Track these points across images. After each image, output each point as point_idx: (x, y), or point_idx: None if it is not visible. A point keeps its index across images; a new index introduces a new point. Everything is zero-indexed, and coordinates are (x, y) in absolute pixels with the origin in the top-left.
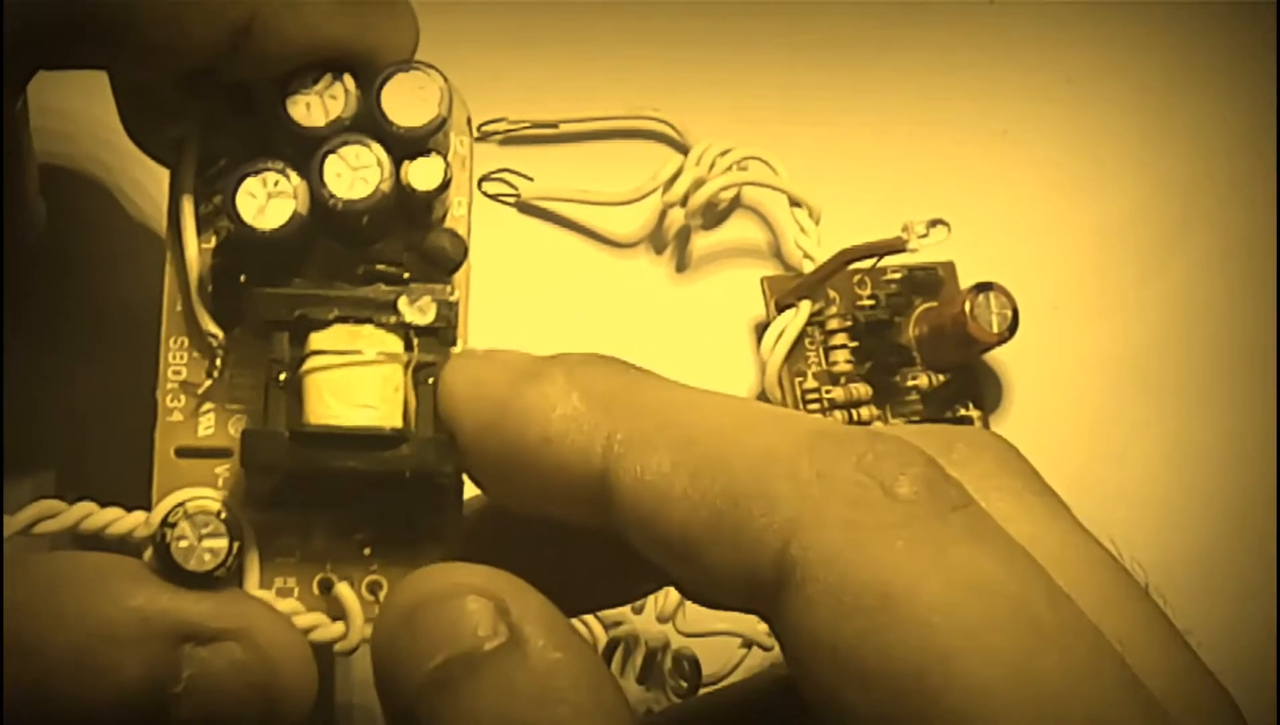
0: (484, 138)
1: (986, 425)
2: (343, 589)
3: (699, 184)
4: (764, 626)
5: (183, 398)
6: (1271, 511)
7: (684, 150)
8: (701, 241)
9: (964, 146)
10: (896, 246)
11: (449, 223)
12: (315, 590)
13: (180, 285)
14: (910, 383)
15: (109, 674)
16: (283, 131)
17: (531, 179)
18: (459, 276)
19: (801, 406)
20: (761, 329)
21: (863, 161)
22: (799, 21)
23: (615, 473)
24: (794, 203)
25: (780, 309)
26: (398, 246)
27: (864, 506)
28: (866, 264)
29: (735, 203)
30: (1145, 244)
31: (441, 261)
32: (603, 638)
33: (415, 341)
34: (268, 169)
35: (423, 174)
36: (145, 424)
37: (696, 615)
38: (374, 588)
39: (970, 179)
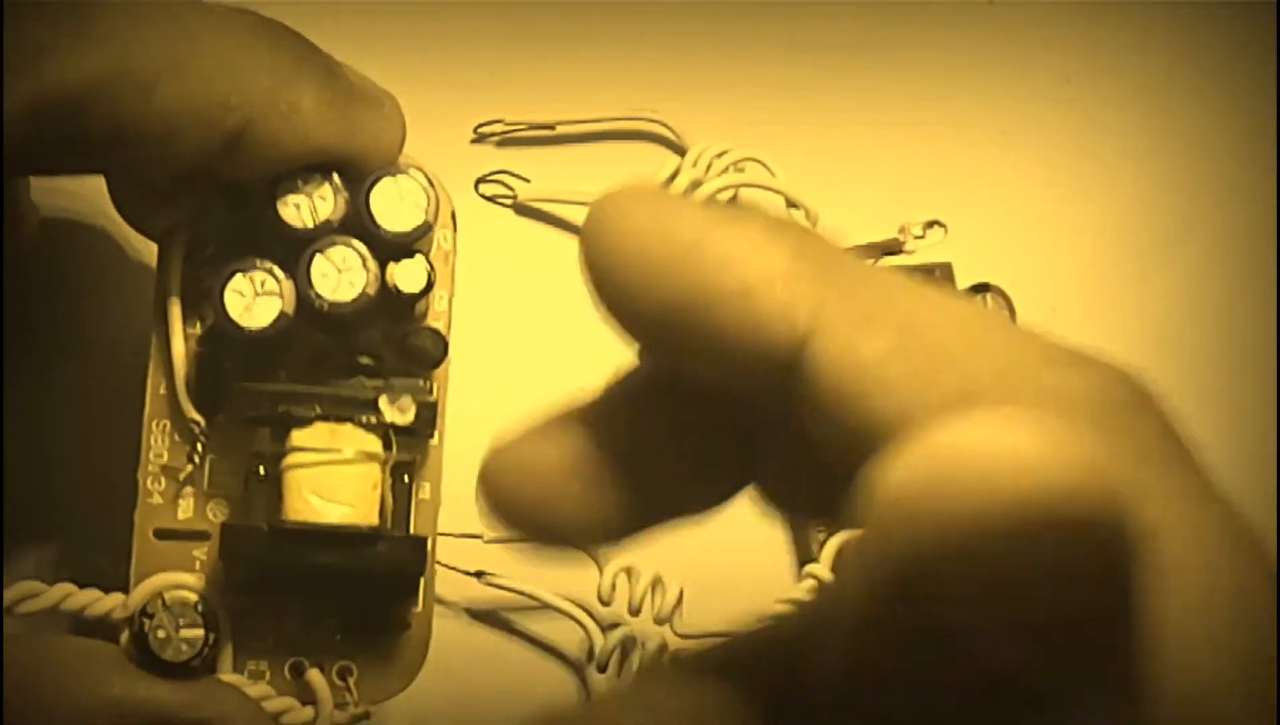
0: (481, 139)
1: None
2: (314, 675)
3: (696, 185)
4: None
5: (163, 481)
6: (1272, 511)
7: (681, 151)
8: None
9: (963, 147)
10: (893, 248)
11: (431, 319)
12: (287, 675)
13: (164, 371)
14: None
15: None
16: (271, 229)
17: (528, 180)
18: (439, 371)
19: None
20: None
21: (861, 162)
22: (797, 22)
23: (821, 344)
24: (791, 204)
25: None
26: (378, 339)
27: (1019, 391)
28: None
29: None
30: (1145, 244)
31: (423, 360)
32: (599, 638)
33: (394, 441)
34: (256, 267)
35: (408, 276)
36: (126, 503)
37: (694, 616)
38: (344, 673)
39: (969, 179)
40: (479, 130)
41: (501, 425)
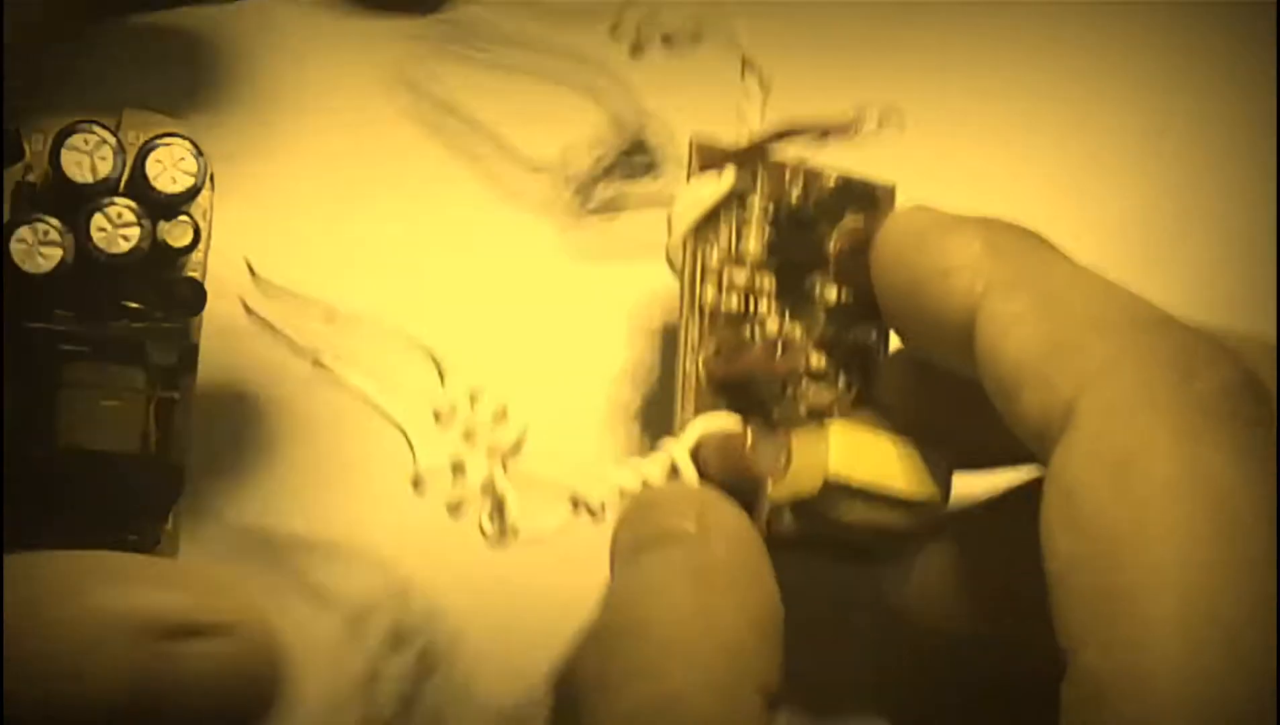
0: None
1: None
2: None
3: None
4: None
5: None
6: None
7: None
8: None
9: (962, 145)
10: (844, 126)
11: (190, 269)
12: None
13: None
14: (818, 292)
15: (90, 679)
16: (52, 181)
17: None
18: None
19: (700, 281)
20: None
21: (858, 161)
22: (796, 21)
23: (982, 306)
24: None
25: (703, 171)
26: (147, 287)
27: (1156, 385)
28: (804, 152)
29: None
30: (1145, 244)
31: (185, 306)
32: (420, 458)
33: (157, 379)
34: (40, 220)
35: (176, 234)
36: None
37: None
38: None
39: (968, 178)
40: None
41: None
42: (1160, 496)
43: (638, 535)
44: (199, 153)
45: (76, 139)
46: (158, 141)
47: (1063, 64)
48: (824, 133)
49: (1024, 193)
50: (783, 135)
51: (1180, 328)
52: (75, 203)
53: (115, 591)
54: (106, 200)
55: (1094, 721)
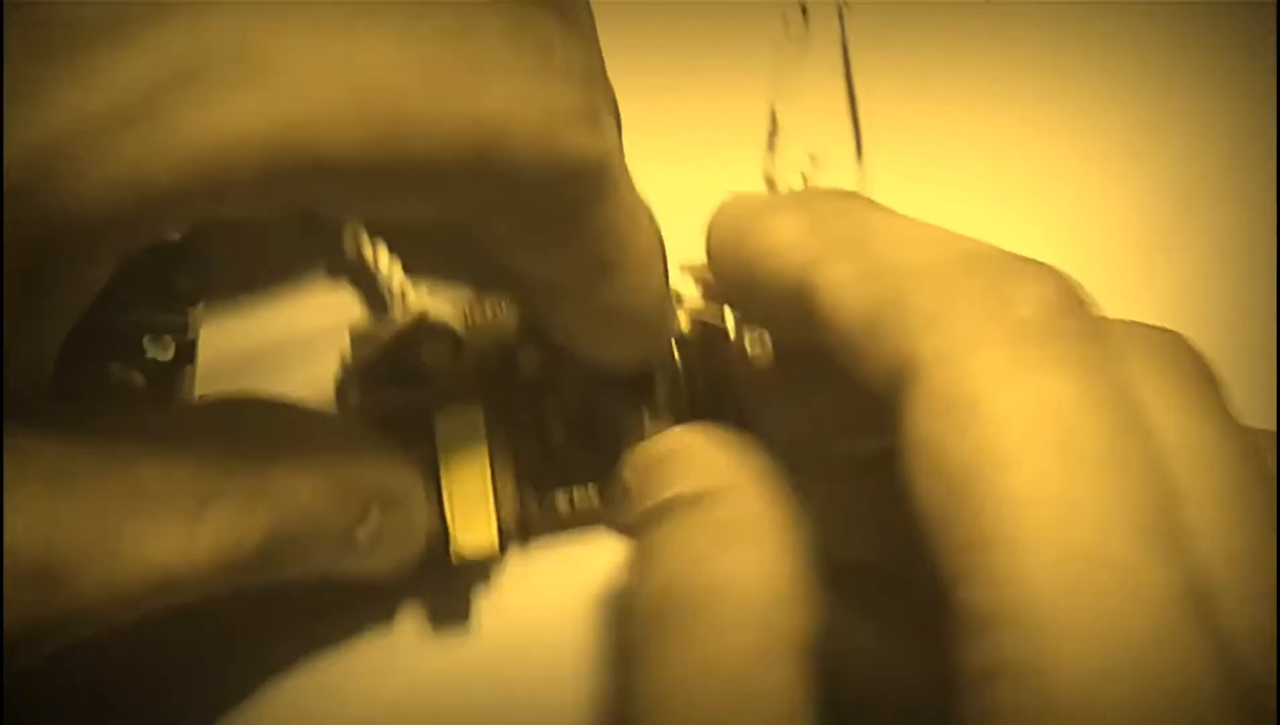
0: None
1: None
2: None
3: None
4: None
5: None
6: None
7: None
8: None
9: (962, 145)
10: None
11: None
12: None
13: None
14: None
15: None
16: None
17: None
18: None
19: None
20: None
21: (858, 162)
22: (795, 24)
23: (812, 279)
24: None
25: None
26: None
27: (985, 319)
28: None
29: None
30: (1145, 244)
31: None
32: None
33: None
34: None
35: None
36: None
37: None
38: None
39: (968, 178)
40: None
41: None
42: (1001, 432)
43: (647, 505)
44: None
45: None
46: None
47: (1062, 64)
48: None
49: (1024, 193)
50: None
51: (992, 255)
52: None
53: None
54: None
55: (978, 657)
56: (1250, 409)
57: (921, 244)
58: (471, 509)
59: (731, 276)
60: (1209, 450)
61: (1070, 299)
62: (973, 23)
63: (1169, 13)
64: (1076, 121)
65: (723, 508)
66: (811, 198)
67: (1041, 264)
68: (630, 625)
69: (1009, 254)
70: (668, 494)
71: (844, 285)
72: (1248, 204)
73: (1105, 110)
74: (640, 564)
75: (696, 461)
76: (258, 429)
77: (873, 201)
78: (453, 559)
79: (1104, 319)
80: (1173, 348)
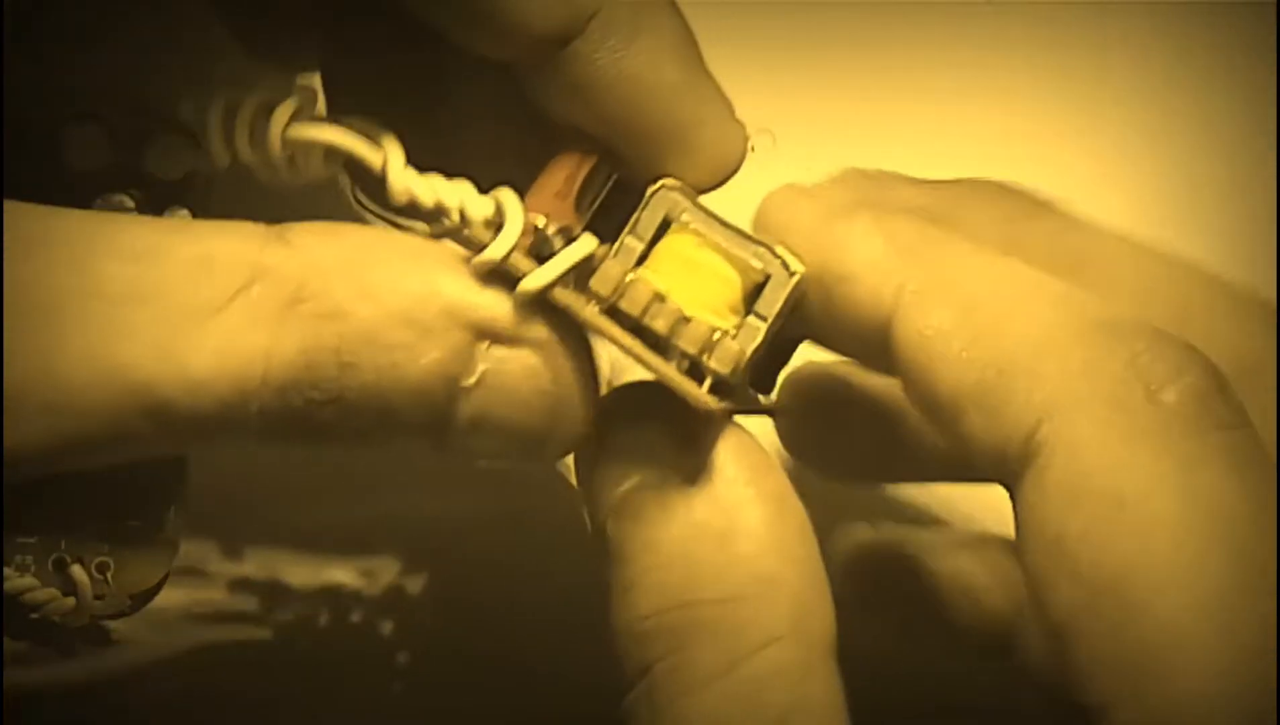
0: None
1: None
2: (75, 569)
3: None
4: None
5: None
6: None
7: None
8: None
9: (963, 145)
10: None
11: None
12: (50, 568)
13: None
14: None
15: (406, 352)
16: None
17: None
18: None
19: None
20: None
21: (859, 162)
22: (795, 21)
23: (899, 321)
24: None
25: None
26: None
27: (1123, 406)
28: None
29: None
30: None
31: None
32: None
33: None
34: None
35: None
36: None
37: None
38: (102, 567)
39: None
40: None
41: None
42: (1164, 534)
43: (623, 489)
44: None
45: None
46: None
47: (1063, 64)
48: None
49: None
50: None
51: (1132, 328)
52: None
53: (448, 280)
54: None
55: None
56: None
57: (1035, 298)
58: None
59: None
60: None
61: (1217, 382)
62: (973, 23)
63: (1169, 13)
64: (1077, 122)
65: (708, 499)
66: (883, 212)
67: (1180, 341)
68: (633, 639)
69: (1141, 324)
70: (640, 477)
71: (944, 337)
72: (1248, 204)
73: (1105, 110)
74: (627, 563)
75: (667, 436)
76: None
77: (940, 224)
78: (795, 271)
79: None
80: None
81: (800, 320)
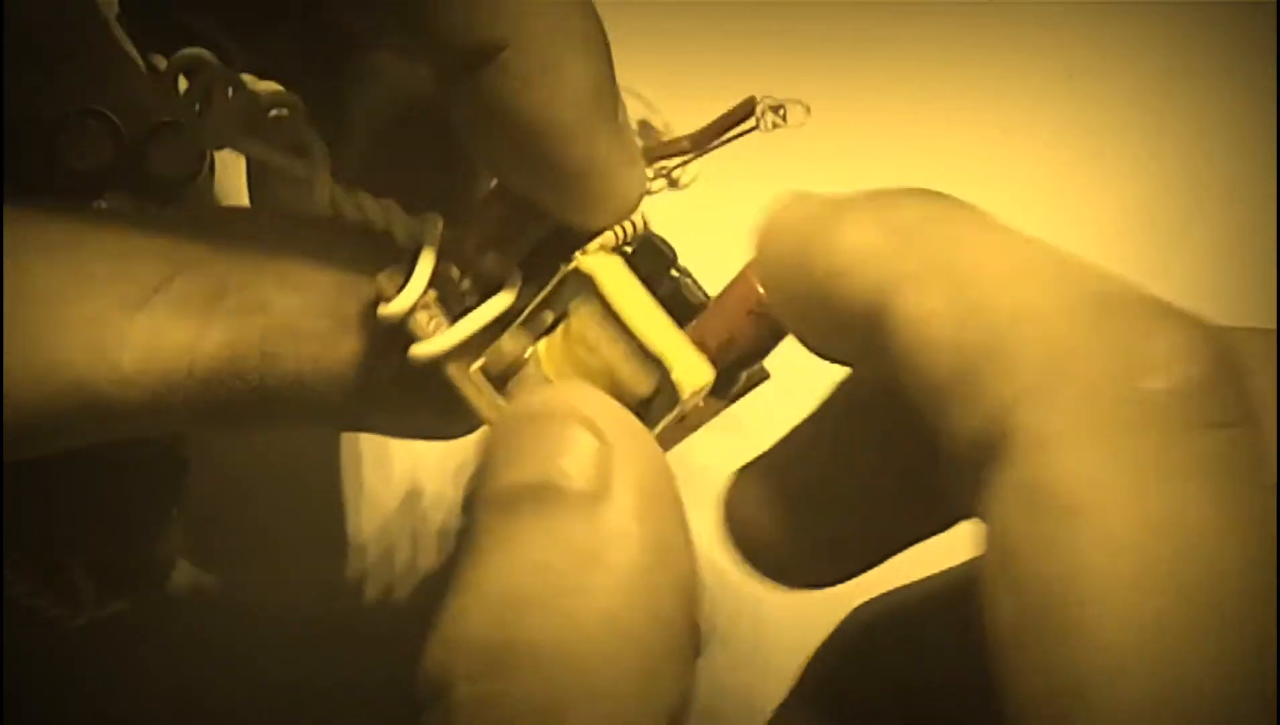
0: None
1: None
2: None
3: None
4: None
5: None
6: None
7: None
8: None
9: (964, 145)
10: (743, 115)
11: None
12: (47, 572)
13: None
14: None
15: (325, 343)
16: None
17: None
18: None
19: None
20: None
21: (861, 161)
22: (796, 20)
23: (890, 307)
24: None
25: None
26: None
27: (1104, 395)
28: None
29: None
30: (1145, 243)
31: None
32: None
33: None
34: None
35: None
36: None
37: None
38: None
39: (970, 177)
40: None
41: None
42: (1103, 559)
43: (504, 480)
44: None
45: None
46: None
47: (1063, 64)
48: (726, 127)
49: (1025, 193)
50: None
51: (1129, 302)
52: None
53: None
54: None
55: None
56: None
57: (1033, 276)
58: (677, 348)
59: (791, 296)
60: None
61: (1219, 371)
62: (973, 23)
63: (1169, 13)
64: (1078, 122)
65: (587, 520)
66: (886, 199)
67: (1186, 319)
68: (448, 644)
69: (1149, 298)
70: (525, 474)
71: (932, 318)
72: (1248, 205)
73: (1106, 111)
74: (478, 560)
75: (572, 441)
76: (231, 223)
77: (964, 204)
78: (680, 398)
79: (1256, 388)
80: None
81: (782, 320)
